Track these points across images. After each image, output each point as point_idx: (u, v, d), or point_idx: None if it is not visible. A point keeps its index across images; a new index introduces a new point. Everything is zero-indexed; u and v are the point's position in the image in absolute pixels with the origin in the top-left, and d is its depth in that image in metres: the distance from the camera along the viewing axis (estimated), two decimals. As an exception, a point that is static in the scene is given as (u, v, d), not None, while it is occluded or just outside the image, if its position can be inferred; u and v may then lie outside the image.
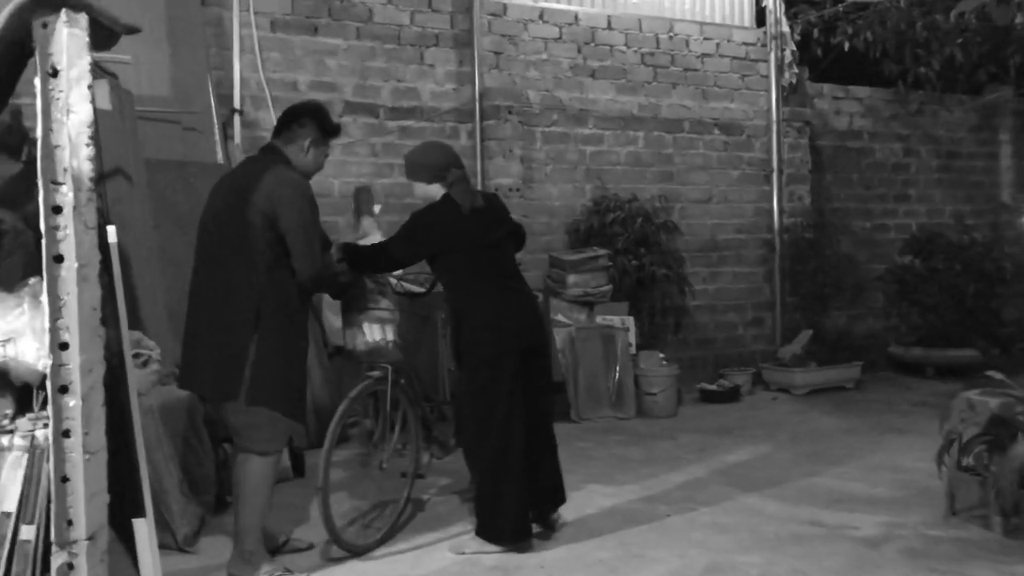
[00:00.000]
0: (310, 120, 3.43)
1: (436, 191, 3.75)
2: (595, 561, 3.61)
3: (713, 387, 7.14)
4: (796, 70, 8.10)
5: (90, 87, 2.61)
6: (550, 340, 3.66)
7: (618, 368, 6.51)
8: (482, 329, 3.66)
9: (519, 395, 3.65)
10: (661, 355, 6.80)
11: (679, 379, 6.72)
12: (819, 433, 5.93)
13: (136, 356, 3.72)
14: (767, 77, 8.06)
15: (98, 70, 4.22)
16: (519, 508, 3.66)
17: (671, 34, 7.70)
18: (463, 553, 3.67)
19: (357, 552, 3.65)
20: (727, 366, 7.61)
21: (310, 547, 3.74)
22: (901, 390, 7.43)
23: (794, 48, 8.03)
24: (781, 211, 8.05)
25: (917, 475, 4.67)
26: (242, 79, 5.98)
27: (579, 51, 7.33)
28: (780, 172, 8.05)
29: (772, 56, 8.03)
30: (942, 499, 4.06)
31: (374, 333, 3.77)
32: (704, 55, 7.85)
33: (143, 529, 2.73)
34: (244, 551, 3.29)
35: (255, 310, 3.20)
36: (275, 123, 3.52)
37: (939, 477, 4.04)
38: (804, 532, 3.91)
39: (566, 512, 4.03)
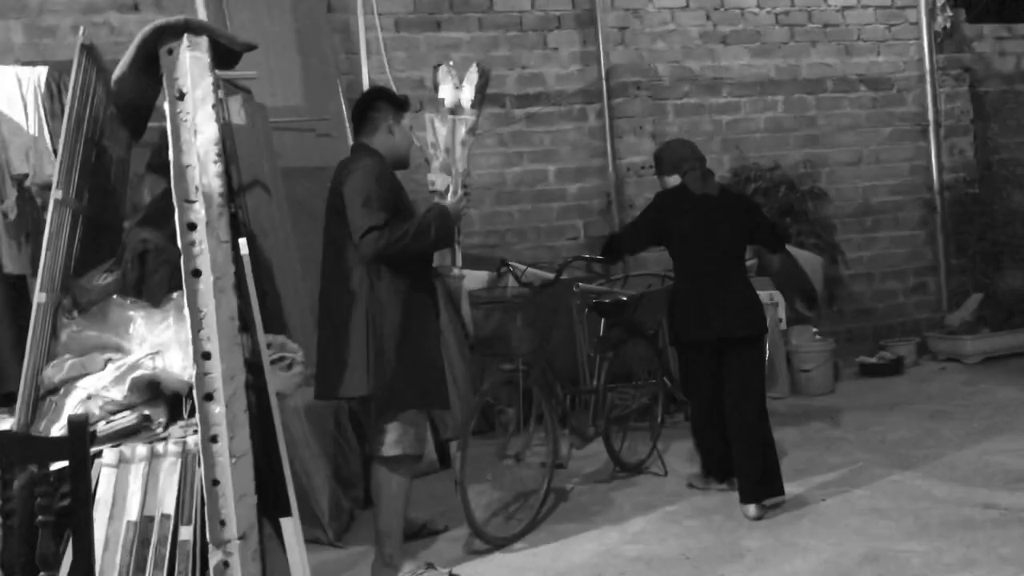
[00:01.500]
0: (382, 102, 3.50)
1: (675, 183, 4.10)
2: (744, 551, 3.47)
3: (873, 360, 6.73)
4: (950, 13, 7.47)
5: (214, 107, 2.73)
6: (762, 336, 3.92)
7: (768, 345, 6.23)
8: (673, 316, 4.08)
9: (708, 377, 4.01)
10: (814, 329, 6.48)
11: (835, 353, 6.39)
12: (994, 405, 5.47)
13: (280, 359, 3.86)
14: (917, 24, 7.47)
15: (232, 87, 4.42)
16: (714, 458, 4.13)
17: (807, -11, 7.28)
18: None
19: (498, 544, 3.67)
20: (888, 337, 7.15)
21: (445, 529, 3.86)
22: (1093, 355, 6.75)
23: (947, -12, 7.42)
24: (940, 167, 7.47)
25: (1110, 450, 4.23)
26: (370, 81, 6.10)
27: (708, 17, 7.05)
28: (937, 125, 7.47)
29: (922, 0, 7.44)
30: None
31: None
32: (845, 8, 7.36)
33: (290, 527, 2.84)
34: (384, 555, 3.34)
35: (371, 307, 3.23)
36: (351, 123, 3.52)
37: None
38: (976, 516, 3.60)
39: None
